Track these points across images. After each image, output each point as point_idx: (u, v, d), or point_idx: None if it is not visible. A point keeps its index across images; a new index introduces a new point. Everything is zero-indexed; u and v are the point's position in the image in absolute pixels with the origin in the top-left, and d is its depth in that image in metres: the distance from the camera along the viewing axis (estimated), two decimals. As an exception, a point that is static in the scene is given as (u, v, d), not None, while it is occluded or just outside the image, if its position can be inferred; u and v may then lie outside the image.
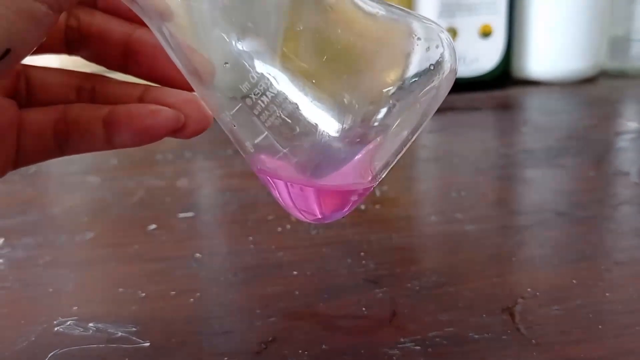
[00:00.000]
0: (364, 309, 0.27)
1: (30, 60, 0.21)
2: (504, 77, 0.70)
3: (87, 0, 0.23)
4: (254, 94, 0.19)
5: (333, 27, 0.20)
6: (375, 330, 0.26)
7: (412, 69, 0.20)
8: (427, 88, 0.20)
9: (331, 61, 0.20)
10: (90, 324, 0.26)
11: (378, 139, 0.20)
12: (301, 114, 0.19)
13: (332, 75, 0.20)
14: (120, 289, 0.29)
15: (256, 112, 0.19)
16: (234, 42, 0.19)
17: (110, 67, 0.24)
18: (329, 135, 0.19)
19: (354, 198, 0.21)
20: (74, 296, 0.29)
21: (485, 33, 0.67)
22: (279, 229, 0.35)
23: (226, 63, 0.19)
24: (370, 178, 0.21)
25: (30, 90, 0.23)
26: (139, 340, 0.25)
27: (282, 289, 0.29)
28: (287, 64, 0.19)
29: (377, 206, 0.39)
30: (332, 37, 0.20)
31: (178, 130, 0.22)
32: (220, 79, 0.20)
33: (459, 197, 0.40)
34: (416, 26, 0.20)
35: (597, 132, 0.55)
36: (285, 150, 0.19)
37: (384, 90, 0.19)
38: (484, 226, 0.35)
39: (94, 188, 0.44)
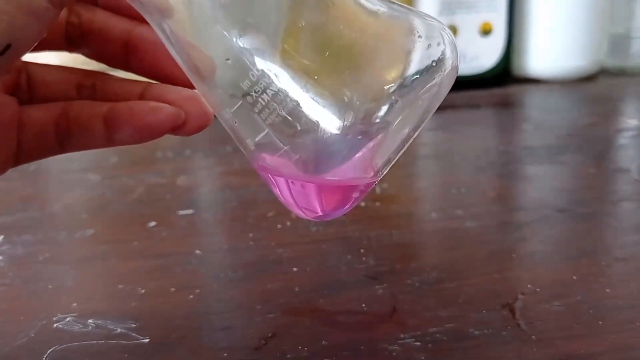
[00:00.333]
0: (363, 305, 0.27)
1: (31, 57, 0.21)
2: (504, 75, 0.70)
3: None
4: (255, 92, 0.19)
5: (334, 24, 0.19)
6: (375, 326, 0.26)
7: (414, 66, 0.20)
8: (428, 85, 0.20)
9: (332, 58, 0.19)
10: (90, 320, 0.26)
11: (379, 136, 0.20)
12: (302, 111, 0.19)
13: (333, 72, 0.20)
14: (120, 286, 0.29)
15: (257, 110, 0.19)
16: (234, 39, 0.19)
17: (110, 64, 0.24)
18: (330, 133, 0.19)
19: (355, 194, 0.21)
20: (74, 292, 0.29)
21: (486, 31, 0.67)
22: (279, 225, 0.35)
23: (227, 60, 0.19)
24: (372, 174, 0.21)
25: (31, 87, 0.23)
26: (138, 336, 0.25)
27: (282, 285, 0.29)
28: (288, 61, 0.19)
29: (377, 203, 0.39)
30: (334, 34, 0.20)
31: (179, 127, 0.22)
32: (220, 76, 0.19)
33: (459, 194, 0.40)
34: (417, 23, 0.20)
35: (597, 129, 0.54)
36: (286, 148, 0.19)
37: (386, 87, 0.19)
38: (484, 223, 0.35)
39: (94, 185, 0.44)
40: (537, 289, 0.28)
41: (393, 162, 0.21)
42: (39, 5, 0.17)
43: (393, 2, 0.20)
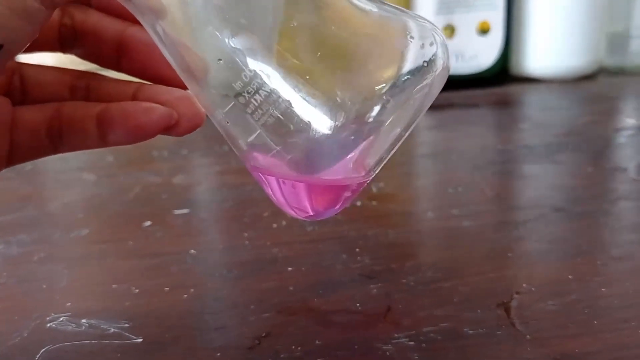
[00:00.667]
0: (358, 304, 0.27)
1: (25, 58, 0.21)
2: (503, 74, 0.70)
3: None
4: (247, 92, 0.19)
5: (327, 24, 0.19)
6: (370, 325, 0.25)
7: (406, 67, 0.20)
8: (420, 85, 0.20)
9: (324, 58, 0.19)
10: (83, 320, 0.26)
11: (371, 136, 0.20)
12: (294, 112, 0.19)
13: (325, 73, 0.20)
14: (114, 285, 0.29)
15: (249, 110, 0.19)
16: (227, 40, 0.19)
17: (103, 64, 0.24)
18: (322, 133, 0.19)
19: (347, 194, 0.21)
20: (68, 292, 0.29)
21: (484, 30, 0.67)
22: (275, 225, 0.35)
23: (219, 60, 0.19)
24: (363, 174, 0.21)
25: (24, 88, 0.23)
26: (132, 336, 0.25)
27: (277, 284, 0.29)
28: (281, 62, 0.19)
29: (374, 202, 0.38)
30: (326, 35, 0.20)
31: (171, 128, 0.22)
32: (213, 76, 0.19)
33: (456, 193, 0.40)
34: (410, 24, 0.20)
35: (595, 128, 0.54)
36: (278, 148, 0.19)
37: (377, 87, 0.19)
38: (481, 222, 0.35)
39: (90, 185, 0.44)
40: (533, 288, 0.28)
41: (385, 162, 0.21)
42: (30, 6, 0.17)
43: (385, 3, 0.20)
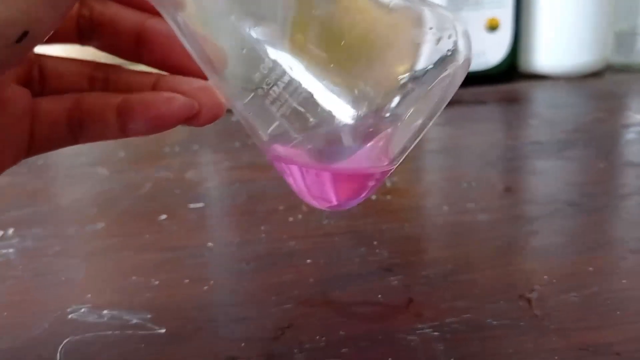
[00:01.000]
0: (379, 296, 0.27)
1: (43, 49, 0.21)
2: (511, 71, 0.70)
3: None
4: (267, 83, 0.19)
5: (347, 14, 0.19)
6: (392, 316, 0.25)
7: (426, 58, 0.19)
8: (441, 76, 0.20)
9: (345, 49, 0.19)
10: (105, 311, 0.26)
11: (393, 125, 0.20)
12: (315, 102, 0.19)
13: (345, 63, 0.19)
14: (134, 277, 0.29)
15: (270, 101, 0.19)
16: (246, 31, 0.19)
17: (123, 56, 0.23)
18: (344, 122, 0.19)
19: (371, 183, 0.21)
20: (87, 284, 0.29)
21: (492, 27, 0.67)
22: (290, 218, 0.35)
23: (240, 51, 0.19)
24: (387, 163, 0.21)
25: (43, 79, 0.23)
26: (154, 326, 0.25)
27: (296, 277, 0.29)
28: (301, 52, 0.19)
29: (388, 197, 0.38)
30: (345, 25, 0.19)
31: (192, 118, 0.22)
32: (233, 67, 0.19)
33: (470, 187, 0.40)
34: (430, 15, 0.20)
35: (604, 125, 0.54)
36: (299, 138, 0.19)
37: (399, 78, 0.19)
38: (496, 216, 0.35)
39: (103, 180, 0.44)
40: (553, 280, 0.28)
41: (408, 151, 0.21)
42: None
43: None
